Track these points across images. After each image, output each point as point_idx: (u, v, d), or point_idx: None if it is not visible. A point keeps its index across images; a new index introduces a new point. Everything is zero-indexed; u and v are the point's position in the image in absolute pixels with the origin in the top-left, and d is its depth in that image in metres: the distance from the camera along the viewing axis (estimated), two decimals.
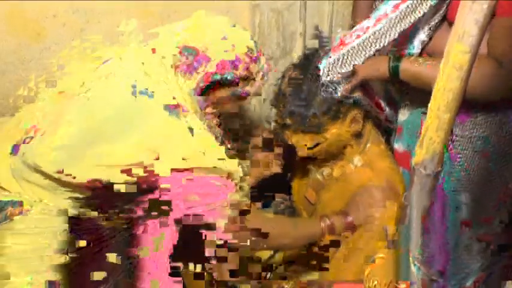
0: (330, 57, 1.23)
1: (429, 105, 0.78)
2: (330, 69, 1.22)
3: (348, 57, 1.21)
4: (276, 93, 1.32)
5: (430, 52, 1.23)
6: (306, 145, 1.30)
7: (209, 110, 1.14)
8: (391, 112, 1.46)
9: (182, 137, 1.04)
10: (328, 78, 1.23)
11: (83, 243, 1.11)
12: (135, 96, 1.04)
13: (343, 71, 1.22)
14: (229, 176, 1.08)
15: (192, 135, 1.05)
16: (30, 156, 1.04)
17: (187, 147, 1.04)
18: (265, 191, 1.93)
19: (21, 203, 1.09)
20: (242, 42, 1.13)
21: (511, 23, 1.03)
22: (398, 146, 1.47)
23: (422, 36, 1.23)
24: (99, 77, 1.10)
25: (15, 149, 1.08)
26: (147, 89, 1.05)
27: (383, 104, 1.41)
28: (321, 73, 1.23)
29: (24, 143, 1.07)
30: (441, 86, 0.75)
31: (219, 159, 1.06)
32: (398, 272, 1.08)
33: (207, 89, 1.12)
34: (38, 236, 1.08)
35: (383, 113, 1.42)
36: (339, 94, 1.23)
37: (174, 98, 1.07)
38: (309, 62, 1.28)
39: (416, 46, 1.23)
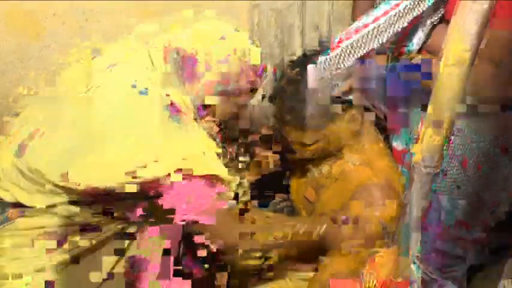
0: (329, 54, 1.23)
1: (429, 102, 0.79)
2: (327, 65, 1.23)
3: (346, 54, 1.21)
4: (275, 89, 1.33)
5: (430, 50, 1.24)
6: (304, 142, 1.31)
7: (209, 118, 1.11)
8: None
9: (181, 138, 1.03)
10: (325, 75, 1.23)
11: (81, 243, 1.11)
12: (135, 97, 1.03)
13: (340, 67, 1.23)
14: (227, 181, 1.08)
15: (192, 138, 1.04)
16: (29, 159, 1.03)
17: (186, 148, 1.03)
18: (264, 190, 1.93)
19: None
20: (248, 53, 1.09)
21: (504, 35, 1.02)
22: (396, 144, 1.47)
23: (421, 33, 1.23)
24: (99, 72, 1.08)
25: (20, 151, 1.07)
26: (147, 88, 1.04)
27: (381, 104, 1.42)
28: (318, 69, 1.23)
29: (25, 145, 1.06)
30: (441, 84, 0.76)
31: (217, 161, 1.05)
32: (398, 270, 1.09)
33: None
34: (36, 236, 1.08)
35: (381, 113, 1.43)
36: (336, 92, 1.24)
37: (173, 102, 1.05)
38: (308, 59, 1.29)
39: (415, 43, 1.24)
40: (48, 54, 1.35)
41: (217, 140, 1.12)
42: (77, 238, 1.11)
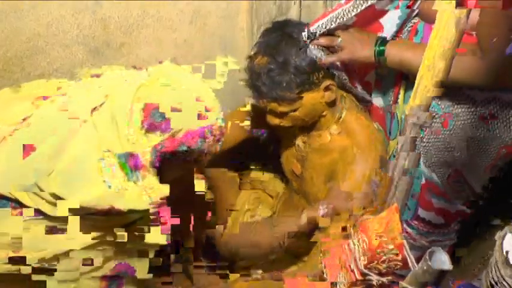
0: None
1: (424, 54, 0.79)
2: (313, 31, 1.23)
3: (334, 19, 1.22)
4: (250, 60, 1.32)
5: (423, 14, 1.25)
6: (279, 112, 1.32)
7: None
8: (364, 92, 1.45)
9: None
10: (309, 33, 1.23)
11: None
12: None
13: (328, 28, 1.23)
14: None
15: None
16: (37, 174, 0.96)
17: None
18: (254, 160, 1.94)
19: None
20: (216, 113, 0.99)
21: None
22: (377, 101, 1.45)
23: None
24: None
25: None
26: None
27: (357, 84, 1.42)
28: (303, 35, 1.24)
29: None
30: (437, 34, 0.76)
31: None
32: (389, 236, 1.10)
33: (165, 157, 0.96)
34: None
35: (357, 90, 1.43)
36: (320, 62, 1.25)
37: (136, 155, 0.94)
38: (284, 31, 1.29)
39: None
40: (41, 5, 1.33)
41: None
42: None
